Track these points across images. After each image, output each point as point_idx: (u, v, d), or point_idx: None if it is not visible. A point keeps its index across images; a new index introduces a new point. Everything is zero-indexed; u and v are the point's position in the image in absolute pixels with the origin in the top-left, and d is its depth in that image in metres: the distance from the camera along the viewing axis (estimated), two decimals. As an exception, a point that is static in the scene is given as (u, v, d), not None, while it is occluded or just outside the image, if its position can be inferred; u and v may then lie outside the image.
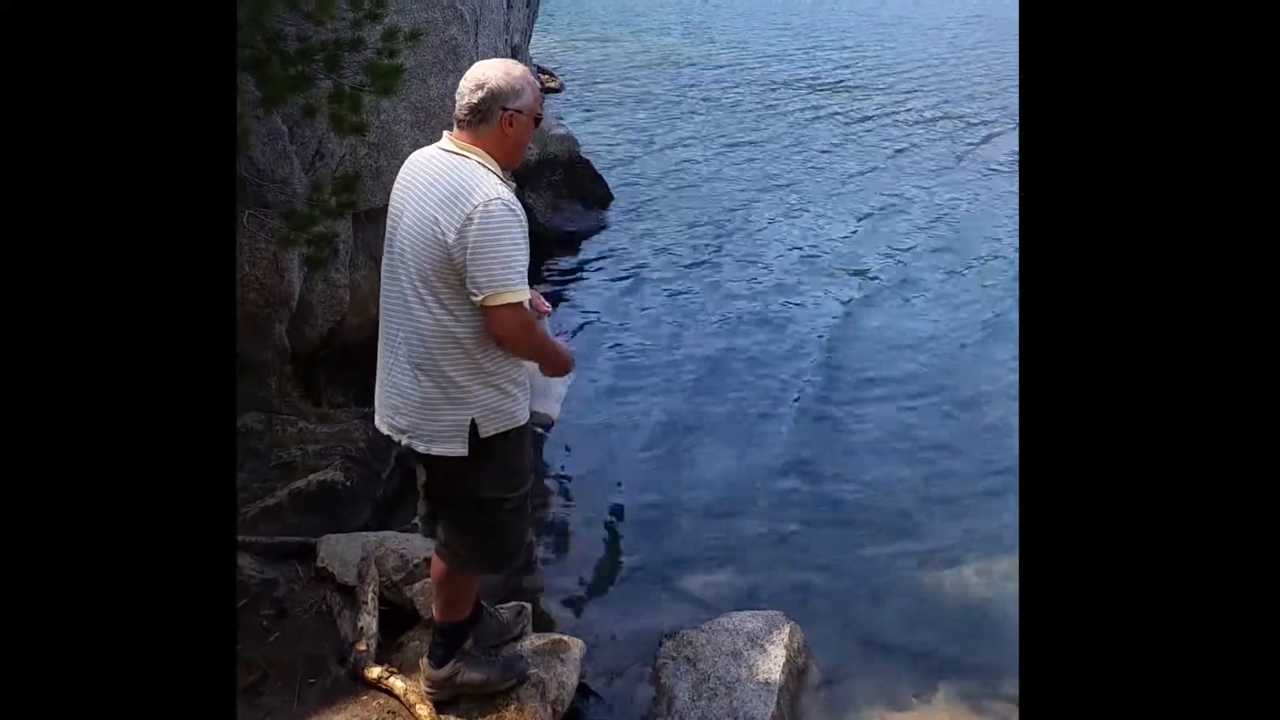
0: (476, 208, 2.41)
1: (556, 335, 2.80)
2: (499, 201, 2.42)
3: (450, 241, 2.42)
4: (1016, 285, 7.52)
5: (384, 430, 2.74)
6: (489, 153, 2.54)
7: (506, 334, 2.52)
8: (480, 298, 2.44)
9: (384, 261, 2.68)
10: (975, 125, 13.06)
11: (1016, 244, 8.40)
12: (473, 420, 2.58)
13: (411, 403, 2.63)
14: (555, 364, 2.74)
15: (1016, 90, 14.69)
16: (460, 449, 2.60)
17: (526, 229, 2.52)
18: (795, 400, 5.73)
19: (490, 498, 2.70)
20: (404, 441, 2.69)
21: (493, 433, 2.61)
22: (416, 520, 3.03)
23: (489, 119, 2.52)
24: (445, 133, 2.60)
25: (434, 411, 2.60)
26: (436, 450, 2.62)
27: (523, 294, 2.48)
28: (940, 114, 13.84)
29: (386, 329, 2.67)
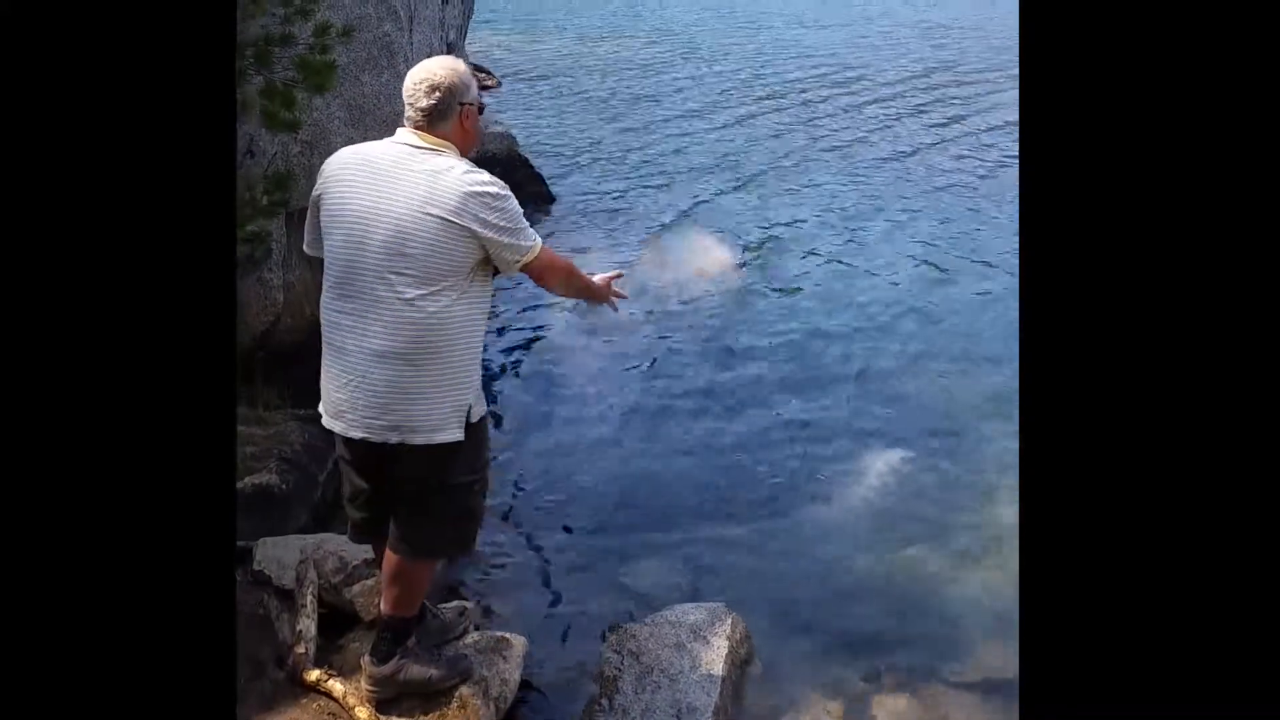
0: (483, 193, 2.54)
1: None
2: (485, 175, 2.60)
3: (475, 229, 2.51)
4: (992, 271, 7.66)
5: (366, 436, 2.63)
6: (453, 145, 2.66)
7: (557, 269, 2.79)
8: (525, 259, 2.62)
9: (330, 263, 2.63)
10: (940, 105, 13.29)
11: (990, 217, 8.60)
12: (469, 405, 2.65)
13: (399, 399, 2.57)
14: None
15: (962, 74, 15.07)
16: (459, 434, 2.64)
17: None
18: (743, 394, 5.77)
19: (463, 481, 2.75)
20: (394, 440, 2.61)
21: (480, 415, 2.71)
22: (348, 529, 3.00)
23: (448, 116, 2.63)
24: (406, 129, 2.63)
25: (432, 401, 2.58)
26: (439, 439, 2.60)
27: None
28: (892, 94, 14.04)
29: (346, 332, 2.60)
